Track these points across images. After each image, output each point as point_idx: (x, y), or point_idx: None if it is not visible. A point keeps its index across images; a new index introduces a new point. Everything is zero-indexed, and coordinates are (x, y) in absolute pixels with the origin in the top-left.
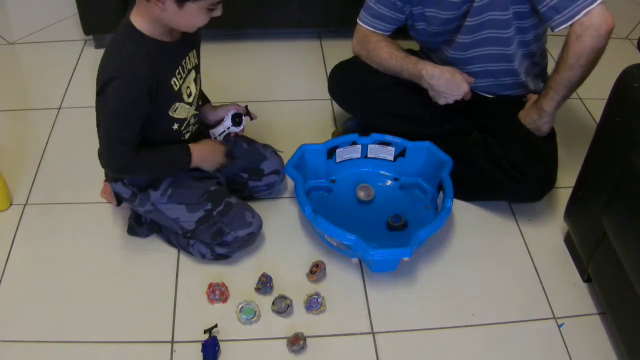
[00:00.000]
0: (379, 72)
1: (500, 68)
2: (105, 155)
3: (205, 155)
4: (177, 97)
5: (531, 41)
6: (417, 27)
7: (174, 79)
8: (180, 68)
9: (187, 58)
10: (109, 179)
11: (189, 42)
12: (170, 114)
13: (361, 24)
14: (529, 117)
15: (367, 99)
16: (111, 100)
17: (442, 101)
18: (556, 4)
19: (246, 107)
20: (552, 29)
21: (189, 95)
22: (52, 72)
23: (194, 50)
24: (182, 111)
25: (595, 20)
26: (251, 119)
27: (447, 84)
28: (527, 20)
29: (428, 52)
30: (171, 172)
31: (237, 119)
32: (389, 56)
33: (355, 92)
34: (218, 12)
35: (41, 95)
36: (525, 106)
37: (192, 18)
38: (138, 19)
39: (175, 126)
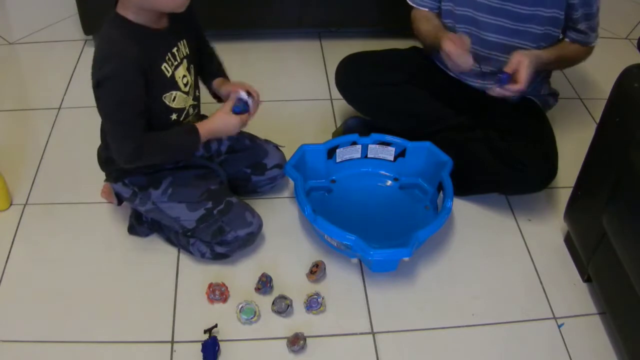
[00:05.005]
0: (386, 68)
1: None
2: (114, 144)
3: (214, 129)
4: (173, 84)
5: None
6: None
7: (165, 64)
8: (170, 55)
9: (177, 47)
10: (109, 179)
11: (178, 31)
12: (168, 102)
13: (411, 3)
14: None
15: (373, 94)
16: (108, 86)
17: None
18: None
19: (247, 91)
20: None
21: (186, 85)
22: (52, 72)
23: (184, 41)
24: (180, 100)
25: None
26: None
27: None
28: (557, 28)
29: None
30: (182, 153)
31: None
32: (428, 25)
33: (362, 86)
34: None
35: (41, 95)
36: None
37: None
38: (122, 9)
39: (174, 116)
